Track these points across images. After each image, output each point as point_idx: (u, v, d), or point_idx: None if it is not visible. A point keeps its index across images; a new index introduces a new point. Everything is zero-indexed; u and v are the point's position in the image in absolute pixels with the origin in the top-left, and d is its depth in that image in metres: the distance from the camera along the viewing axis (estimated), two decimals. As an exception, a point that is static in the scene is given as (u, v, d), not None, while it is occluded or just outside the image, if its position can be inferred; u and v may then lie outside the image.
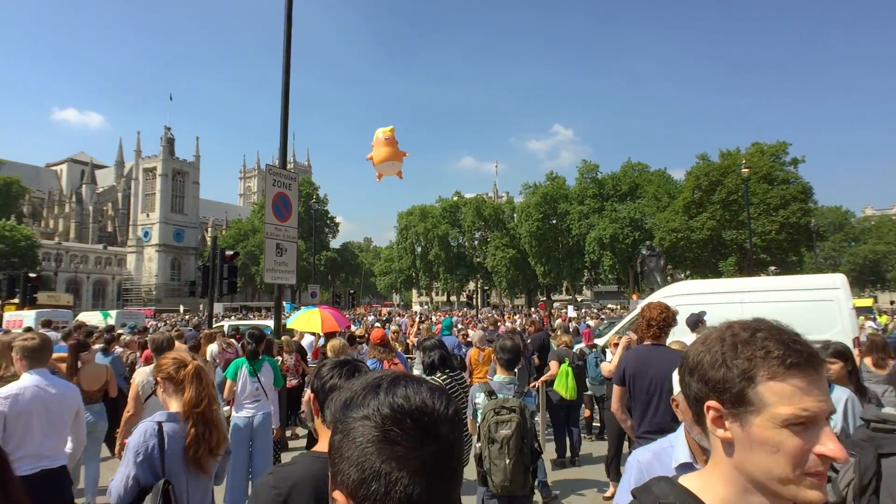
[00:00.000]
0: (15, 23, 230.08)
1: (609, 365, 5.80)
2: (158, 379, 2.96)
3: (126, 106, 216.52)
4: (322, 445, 1.69)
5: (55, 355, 8.53)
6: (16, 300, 31.46)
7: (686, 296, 9.41)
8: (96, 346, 8.01)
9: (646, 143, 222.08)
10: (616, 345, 6.40)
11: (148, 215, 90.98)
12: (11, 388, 3.58)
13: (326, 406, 1.64)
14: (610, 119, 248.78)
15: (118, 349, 8.66)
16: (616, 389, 4.01)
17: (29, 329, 7.41)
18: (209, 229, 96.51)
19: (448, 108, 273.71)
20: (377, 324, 27.18)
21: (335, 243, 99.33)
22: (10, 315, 24.75)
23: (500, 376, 4.13)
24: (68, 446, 3.84)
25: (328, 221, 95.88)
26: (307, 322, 8.35)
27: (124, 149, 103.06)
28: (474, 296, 28.70)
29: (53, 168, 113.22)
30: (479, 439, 3.76)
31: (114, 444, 8.18)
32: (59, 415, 3.68)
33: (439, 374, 4.85)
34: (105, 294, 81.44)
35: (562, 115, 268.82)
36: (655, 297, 10.52)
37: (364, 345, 8.92)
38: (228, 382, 5.85)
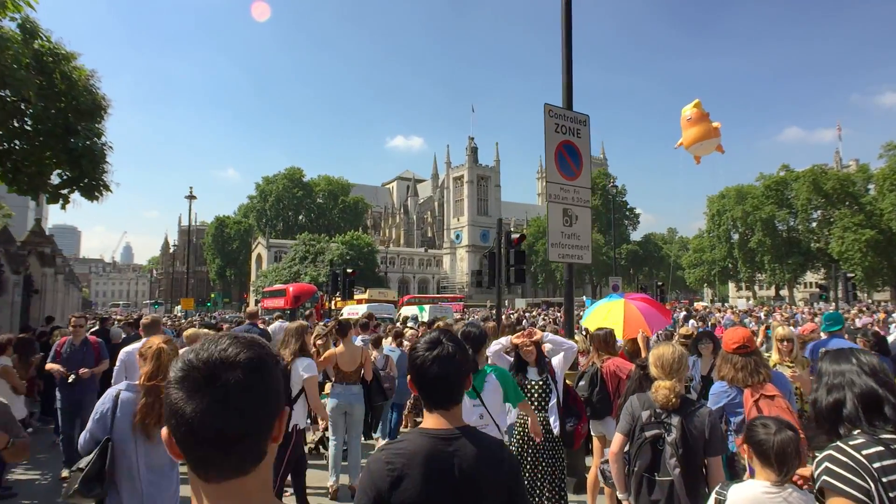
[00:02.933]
0: (357, 77, 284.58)
1: None
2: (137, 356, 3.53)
3: (439, 125, 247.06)
4: (427, 423, 1.82)
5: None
6: (356, 296, 37.06)
7: None
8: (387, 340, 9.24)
9: None
10: None
11: (458, 219, 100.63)
12: (129, 346, 5.32)
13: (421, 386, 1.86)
14: None
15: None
16: None
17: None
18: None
19: (761, 75, 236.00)
20: (688, 321, 23.04)
21: (635, 236, 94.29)
22: (348, 308, 28.77)
23: None
24: None
25: (627, 213, 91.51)
26: (604, 320, 5.87)
27: (438, 162, 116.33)
28: (832, 287, 22.10)
29: (387, 186, 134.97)
30: None
31: (371, 428, 7.85)
32: None
33: (857, 436, 1.85)
34: (427, 291, 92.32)
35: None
36: None
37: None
38: None
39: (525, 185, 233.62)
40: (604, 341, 5.26)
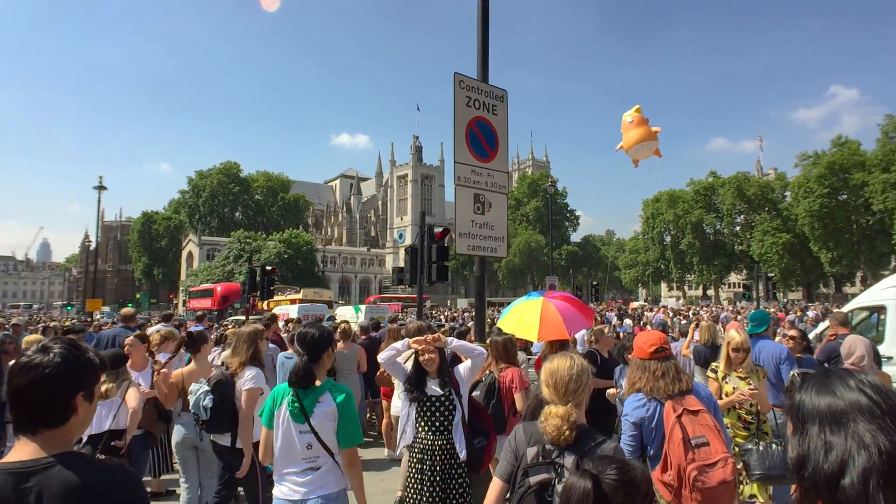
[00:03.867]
0: (303, 72, 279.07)
1: None
2: None
3: (385, 124, 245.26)
4: (11, 453, 1.45)
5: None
6: (289, 296, 35.72)
7: None
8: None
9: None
10: None
11: (402, 218, 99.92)
12: None
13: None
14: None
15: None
16: None
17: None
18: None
19: (692, 88, 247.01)
20: (623, 321, 23.22)
21: (575, 237, 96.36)
22: (280, 309, 27.55)
23: None
24: None
25: (568, 215, 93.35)
26: (518, 323, 4.95)
27: (382, 161, 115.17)
28: (754, 286, 23.02)
29: (329, 184, 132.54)
30: None
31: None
32: None
33: None
34: (369, 290, 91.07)
35: (841, 72, 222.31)
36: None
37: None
38: (263, 432, 3.16)
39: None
40: (503, 348, 4.61)
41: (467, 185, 4.84)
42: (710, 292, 72.23)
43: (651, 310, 31.84)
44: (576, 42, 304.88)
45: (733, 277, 75.42)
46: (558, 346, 4.64)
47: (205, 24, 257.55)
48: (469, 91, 4.95)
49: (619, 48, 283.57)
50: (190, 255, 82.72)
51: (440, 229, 9.65)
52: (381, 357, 3.86)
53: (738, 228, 67.31)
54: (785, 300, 58.47)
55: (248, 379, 4.23)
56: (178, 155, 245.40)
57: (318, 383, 3.06)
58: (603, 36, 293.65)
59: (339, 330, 7.80)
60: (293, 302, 32.39)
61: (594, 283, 26.03)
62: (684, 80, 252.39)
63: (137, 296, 78.16)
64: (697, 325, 7.75)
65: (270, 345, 7.82)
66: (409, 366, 3.95)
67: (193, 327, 11.66)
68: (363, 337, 9.30)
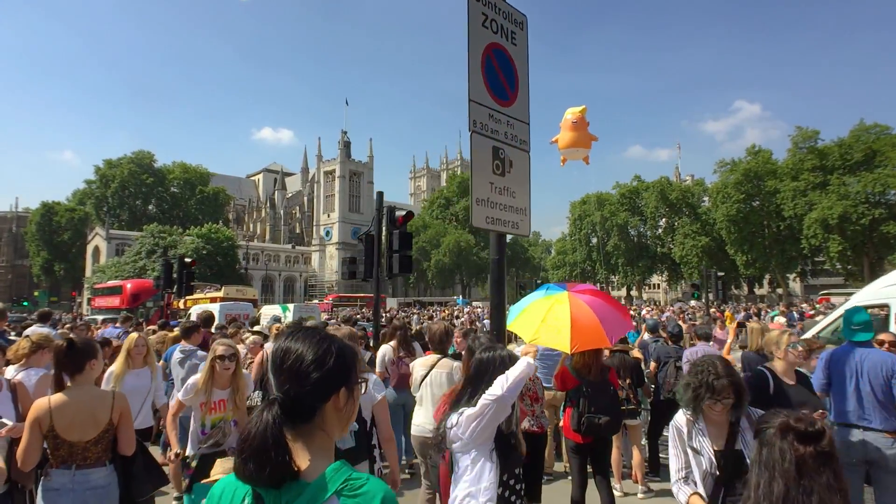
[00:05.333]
0: (224, 63, 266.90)
1: None
2: None
3: (311, 118, 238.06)
4: None
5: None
6: (209, 294, 33.02)
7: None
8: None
9: (878, 102, 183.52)
10: None
11: (329, 215, 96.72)
12: None
13: None
14: (811, 84, 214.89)
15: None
16: None
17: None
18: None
19: (612, 97, 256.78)
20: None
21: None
22: (199, 308, 25.13)
23: None
24: None
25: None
26: (541, 326, 3.54)
27: (308, 156, 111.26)
28: (702, 286, 23.13)
29: (252, 178, 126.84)
30: None
31: None
32: None
33: None
34: (294, 289, 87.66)
35: (745, 88, 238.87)
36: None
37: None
38: None
39: (399, 183, 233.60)
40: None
41: (485, 134, 3.48)
42: (634, 293, 74.68)
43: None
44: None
45: (655, 279, 78.50)
46: (592, 356, 3.51)
47: (114, 2, 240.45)
48: (486, 7, 3.60)
49: (546, 52, 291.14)
50: (96, 249, 76.02)
51: (402, 213, 8.39)
52: (511, 386, 2.47)
53: (660, 231, 69.97)
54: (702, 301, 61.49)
55: (374, 386, 3.87)
56: (85, 143, 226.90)
57: (305, 471, 1.25)
58: (530, 40, 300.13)
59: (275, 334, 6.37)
60: (214, 300, 29.89)
61: (538, 280, 25.47)
62: (604, 86, 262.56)
63: (36, 293, 71.06)
64: (741, 326, 6.42)
65: (200, 352, 6.23)
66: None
67: (108, 330, 9.53)
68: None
